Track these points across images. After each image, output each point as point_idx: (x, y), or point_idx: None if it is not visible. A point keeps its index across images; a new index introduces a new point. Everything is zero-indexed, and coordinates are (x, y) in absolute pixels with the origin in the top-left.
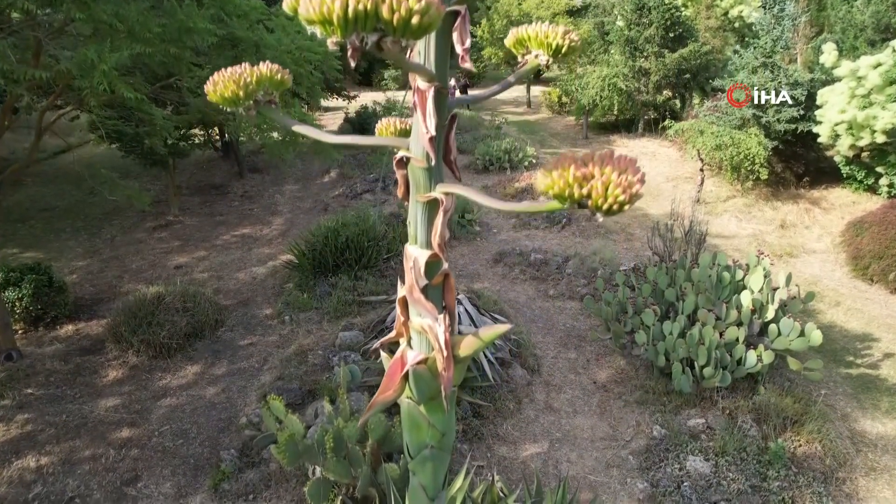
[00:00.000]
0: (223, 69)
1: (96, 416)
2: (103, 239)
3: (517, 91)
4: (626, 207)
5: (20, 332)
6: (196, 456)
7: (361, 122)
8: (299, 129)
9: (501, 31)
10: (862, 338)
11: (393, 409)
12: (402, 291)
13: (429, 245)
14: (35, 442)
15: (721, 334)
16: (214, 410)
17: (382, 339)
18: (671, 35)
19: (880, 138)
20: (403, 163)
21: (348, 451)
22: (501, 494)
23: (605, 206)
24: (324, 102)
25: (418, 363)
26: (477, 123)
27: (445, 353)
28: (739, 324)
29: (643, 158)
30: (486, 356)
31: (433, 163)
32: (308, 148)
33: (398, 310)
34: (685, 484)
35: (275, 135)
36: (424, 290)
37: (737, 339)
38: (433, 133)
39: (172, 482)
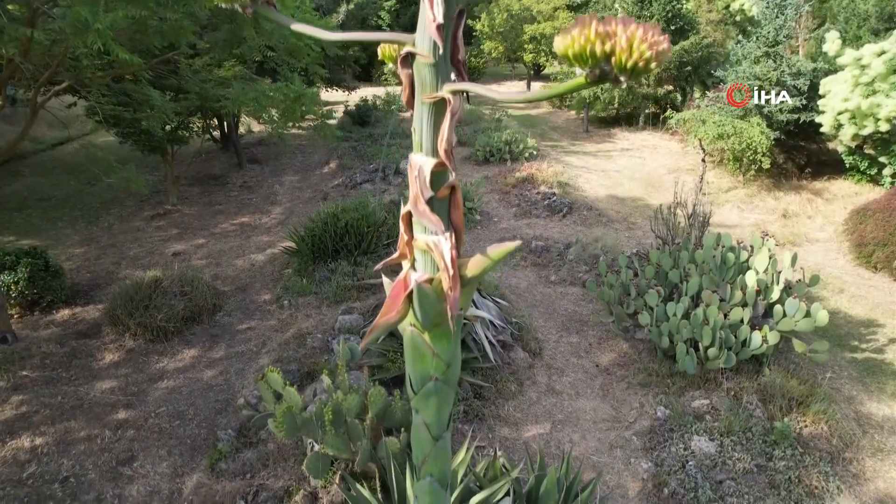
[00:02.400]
0: None
1: (92, 398)
2: (101, 227)
3: (517, 87)
4: (653, 66)
5: (16, 315)
6: (193, 436)
7: (361, 115)
8: (298, 27)
9: (502, 24)
10: (866, 323)
11: (392, 384)
12: (406, 208)
13: (435, 152)
14: (30, 423)
15: (725, 315)
16: (212, 392)
17: (385, 261)
18: (672, 28)
19: (884, 126)
20: (408, 61)
21: (347, 425)
22: (504, 469)
23: (630, 64)
24: (323, 96)
25: (423, 282)
26: (477, 117)
27: (452, 272)
28: (744, 305)
29: (644, 151)
30: (487, 338)
31: (441, 53)
32: (308, 140)
33: (402, 228)
34: (690, 463)
35: (273, 112)
36: (430, 203)
37: (741, 320)
38: (441, 20)
39: (169, 462)
